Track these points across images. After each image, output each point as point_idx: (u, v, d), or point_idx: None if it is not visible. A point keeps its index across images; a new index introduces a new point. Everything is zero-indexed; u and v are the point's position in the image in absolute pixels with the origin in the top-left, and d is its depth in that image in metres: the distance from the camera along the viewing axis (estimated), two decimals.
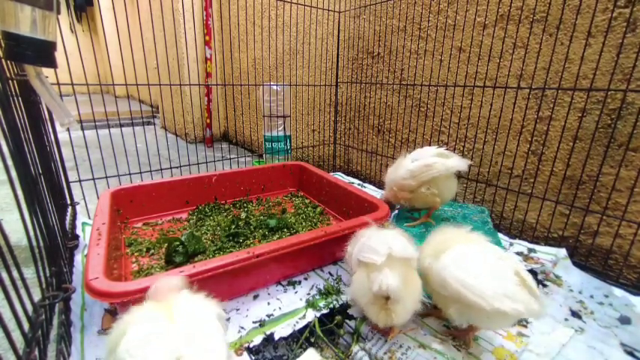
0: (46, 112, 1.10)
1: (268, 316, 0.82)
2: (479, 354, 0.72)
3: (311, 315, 0.82)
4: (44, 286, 0.65)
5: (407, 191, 1.11)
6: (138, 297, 0.69)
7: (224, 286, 0.85)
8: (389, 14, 1.62)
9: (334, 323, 0.79)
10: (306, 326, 0.78)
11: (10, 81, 0.73)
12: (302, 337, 0.75)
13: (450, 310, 0.69)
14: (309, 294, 0.91)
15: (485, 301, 0.62)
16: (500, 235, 1.22)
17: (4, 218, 1.36)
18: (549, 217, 1.19)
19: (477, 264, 0.68)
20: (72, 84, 1.21)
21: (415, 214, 1.24)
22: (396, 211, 1.29)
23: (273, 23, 2.26)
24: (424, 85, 1.52)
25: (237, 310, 0.85)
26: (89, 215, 1.32)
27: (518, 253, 1.12)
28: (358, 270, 0.75)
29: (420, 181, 1.07)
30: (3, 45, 0.66)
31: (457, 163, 1.05)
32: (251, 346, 0.73)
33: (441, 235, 0.79)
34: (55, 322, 0.73)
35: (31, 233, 0.59)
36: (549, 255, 1.09)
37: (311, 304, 0.86)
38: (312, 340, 0.75)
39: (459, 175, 1.46)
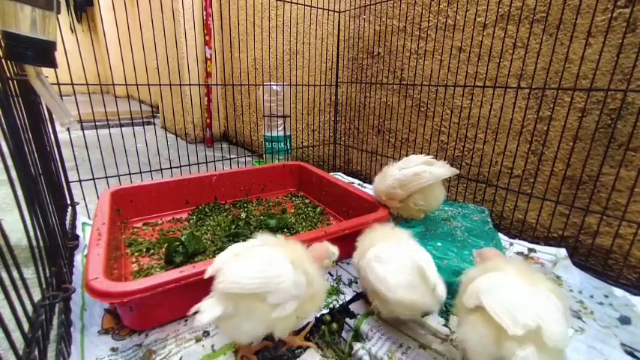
0: (46, 112, 1.10)
1: None
2: None
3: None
4: (44, 286, 0.65)
5: (396, 201, 1.09)
6: (138, 297, 0.69)
7: None
8: (389, 14, 1.62)
9: (333, 323, 0.79)
10: (305, 326, 0.78)
11: (10, 81, 0.73)
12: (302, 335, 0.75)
13: (375, 301, 0.75)
14: None
15: (391, 291, 0.68)
16: (500, 235, 1.22)
17: (4, 218, 1.36)
18: (549, 217, 1.19)
19: (389, 259, 0.73)
20: (72, 84, 1.21)
21: (411, 222, 1.22)
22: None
23: (273, 23, 2.26)
24: (424, 85, 1.52)
25: None
26: (89, 215, 1.32)
27: (519, 253, 1.12)
28: (473, 316, 0.58)
29: (409, 190, 1.05)
30: (3, 45, 0.66)
31: (444, 170, 1.04)
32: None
33: (369, 233, 0.84)
34: (55, 322, 0.73)
35: (31, 233, 0.59)
36: (549, 255, 1.09)
37: None
38: (313, 339, 0.75)
39: (459, 175, 1.46)
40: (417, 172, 1.04)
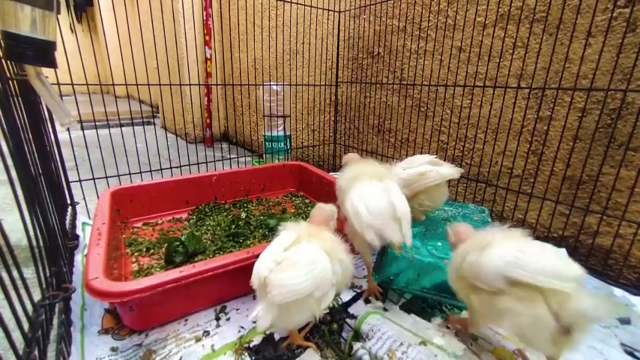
0: (46, 112, 1.10)
1: None
2: (479, 353, 0.72)
3: None
4: (44, 286, 0.65)
5: None
6: (138, 297, 0.69)
7: (224, 285, 0.85)
8: (389, 14, 1.62)
9: (333, 323, 0.79)
10: (305, 326, 0.78)
11: (10, 81, 0.73)
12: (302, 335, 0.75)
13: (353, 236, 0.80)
14: None
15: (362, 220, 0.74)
16: None
17: (4, 218, 1.36)
18: (549, 217, 1.19)
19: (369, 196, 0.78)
20: (72, 84, 1.21)
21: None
22: None
23: (273, 23, 2.26)
24: (424, 85, 1.52)
25: (237, 309, 0.85)
26: (89, 215, 1.32)
27: None
28: (508, 298, 0.58)
29: (414, 190, 1.03)
30: (3, 45, 0.66)
31: (451, 170, 1.03)
32: (251, 345, 0.73)
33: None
34: (55, 321, 0.73)
35: (31, 233, 0.59)
36: None
37: None
38: (313, 339, 0.75)
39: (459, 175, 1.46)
40: (423, 171, 1.03)
